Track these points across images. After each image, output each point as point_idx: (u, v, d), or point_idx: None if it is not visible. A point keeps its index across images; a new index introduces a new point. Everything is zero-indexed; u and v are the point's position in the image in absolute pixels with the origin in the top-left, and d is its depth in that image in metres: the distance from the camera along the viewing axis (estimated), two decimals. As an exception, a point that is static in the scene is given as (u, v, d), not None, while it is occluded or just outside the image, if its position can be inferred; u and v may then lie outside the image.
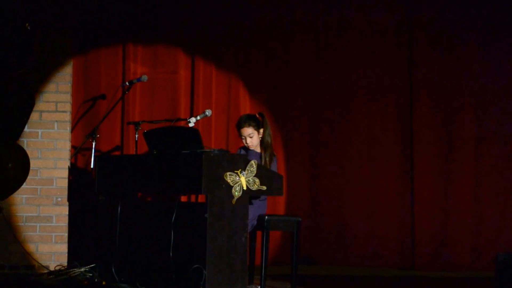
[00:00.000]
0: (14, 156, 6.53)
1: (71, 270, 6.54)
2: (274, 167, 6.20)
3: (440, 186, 7.64)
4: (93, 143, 6.83)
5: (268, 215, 6.13)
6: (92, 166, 6.73)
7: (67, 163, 6.98)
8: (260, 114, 6.38)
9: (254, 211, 6.04)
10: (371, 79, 7.69)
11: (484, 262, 7.52)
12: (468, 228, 7.60)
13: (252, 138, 6.28)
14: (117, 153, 7.47)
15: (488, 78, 7.68)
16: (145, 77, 6.98)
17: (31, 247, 6.90)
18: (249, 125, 6.28)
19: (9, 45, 6.26)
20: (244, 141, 6.32)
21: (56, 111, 6.97)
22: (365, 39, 7.71)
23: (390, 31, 7.72)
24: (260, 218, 6.10)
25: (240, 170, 5.61)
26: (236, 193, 5.59)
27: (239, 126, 6.32)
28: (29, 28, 6.19)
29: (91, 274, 6.41)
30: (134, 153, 6.95)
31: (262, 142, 6.29)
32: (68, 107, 7.02)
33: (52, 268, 6.80)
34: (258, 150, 6.32)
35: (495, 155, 7.68)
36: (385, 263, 7.61)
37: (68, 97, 7.02)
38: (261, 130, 6.29)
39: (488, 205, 7.64)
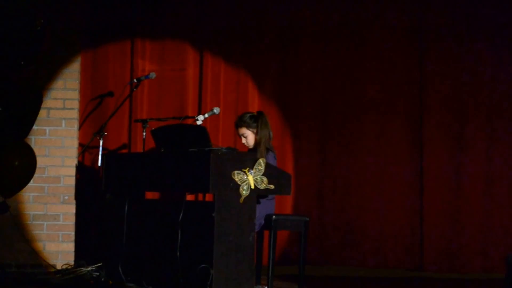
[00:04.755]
0: (21, 154, 6.52)
1: (78, 269, 6.54)
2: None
3: (449, 186, 7.60)
4: (101, 141, 6.82)
5: (275, 215, 6.10)
6: (99, 164, 6.72)
7: (74, 161, 6.97)
8: (257, 112, 6.35)
9: (262, 210, 6.00)
10: (382, 77, 7.65)
11: (494, 263, 7.47)
12: (477, 229, 7.56)
13: (247, 138, 6.28)
14: (124, 151, 7.46)
15: (499, 79, 7.63)
16: (153, 74, 6.97)
17: (38, 246, 6.89)
18: (241, 126, 6.29)
19: (20, 42, 6.25)
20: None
21: (64, 108, 6.96)
22: (375, 39, 7.67)
23: (401, 32, 7.68)
24: (268, 217, 6.07)
25: (248, 168, 5.58)
26: (244, 192, 5.56)
27: (235, 125, 6.35)
28: (42, 22, 6.16)
29: (98, 273, 6.41)
30: (142, 151, 6.93)
31: (255, 141, 6.26)
32: (75, 104, 7.01)
33: (59, 267, 6.79)
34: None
35: (506, 156, 7.62)
36: (393, 264, 7.57)
37: (76, 94, 7.00)
38: (256, 130, 6.25)
39: (498, 207, 7.60)
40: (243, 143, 6.32)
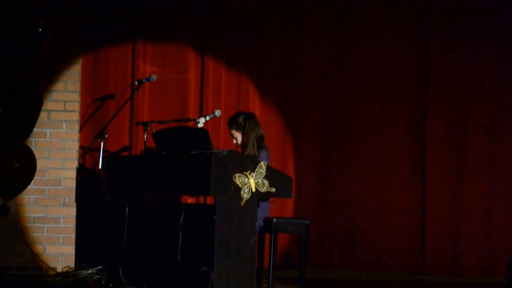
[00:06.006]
0: (21, 156, 6.50)
1: (79, 271, 6.53)
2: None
3: (451, 190, 7.57)
4: (101, 143, 6.81)
5: (276, 218, 6.09)
6: (100, 167, 6.70)
7: (75, 164, 6.95)
8: (247, 114, 6.40)
9: (260, 211, 5.98)
10: (384, 79, 7.63)
11: (496, 267, 7.44)
12: (479, 233, 7.53)
13: (237, 138, 6.38)
14: (125, 153, 7.45)
15: (503, 75, 7.60)
16: (154, 77, 6.96)
17: (39, 248, 6.87)
18: (231, 128, 6.38)
19: (21, 44, 6.23)
20: None
21: (65, 110, 6.95)
22: (378, 39, 7.64)
23: (404, 28, 7.65)
24: (268, 220, 6.06)
25: (249, 171, 5.56)
26: (245, 195, 5.54)
27: (227, 125, 6.41)
28: (43, 24, 6.15)
29: (98, 276, 6.40)
30: (143, 153, 6.91)
31: (243, 141, 6.30)
32: (76, 106, 6.99)
33: (59, 270, 6.77)
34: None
35: (508, 160, 7.59)
36: (395, 267, 7.55)
37: (76, 96, 6.99)
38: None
39: (500, 210, 7.56)
40: (234, 144, 6.35)
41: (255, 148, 6.23)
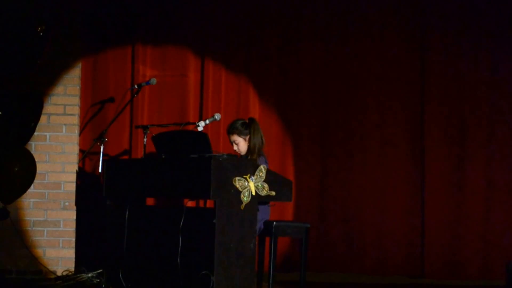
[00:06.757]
0: (21, 159, 6.50)
1: (79, 275, 6.52)
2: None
3: (450, 194, 7.57)
4: (101, 147, 6.81)
5: (276, 221, 6.09)
6: (100, 170, 6.70)
7: (75, 167, 6.95)
8: (249, 119, 6.38)
9: (260, 214, 5.98)
10: (382, 84, 7.63)
11: (495, 270, 7.45)
12: (478, 236, 7.53)
13: (238, 144, 6.35)
14: (125, 157, 7.45)
15: (500, 81, 7.61)
16: (154, 80, 6.96)
17: (39, 252, 6.87)
18: (233, 133, 6.35)
19: (21, 47, 6.24)
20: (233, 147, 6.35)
21: (65, 114, 6.94)
22: (376, 44, 7.65)
23: (402, 30, 7.65)
24: (268, 223, 6.06)
25: (249, 175, 5.57)
26: (245, 198, 5.54)
27: (227, 132, 6.37)
28: (44, 28, 6.16)
29: (98, 280, 6.40)
30: (143, 157, 6.91)
31: (249, 147, 6.28)
32: (76, 110, 6.99)
33: (59, 273, 6.77)
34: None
35: (507, 163, 7.60)
36: (394, 270, 7.55)
37: (76, 100, 6.99)
38: (248, 137, 6.28)
39: (499, 213, 7.56)
40: (235, 150, 6.34)
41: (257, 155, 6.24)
